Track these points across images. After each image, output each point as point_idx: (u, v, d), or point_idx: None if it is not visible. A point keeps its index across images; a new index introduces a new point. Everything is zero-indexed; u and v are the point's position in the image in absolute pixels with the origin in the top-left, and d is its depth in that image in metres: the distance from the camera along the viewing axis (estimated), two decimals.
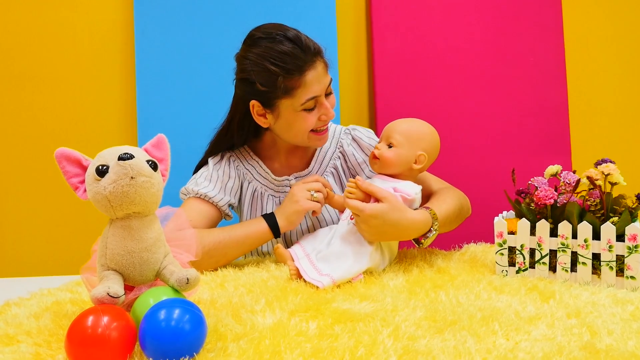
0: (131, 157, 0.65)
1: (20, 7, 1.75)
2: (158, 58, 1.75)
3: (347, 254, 0.95)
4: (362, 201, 0.98)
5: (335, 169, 1.27)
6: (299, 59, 1.06)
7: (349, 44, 1.91)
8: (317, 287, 0.87)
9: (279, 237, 1.12)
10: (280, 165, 1.25)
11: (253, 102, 1.13)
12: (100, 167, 0.65)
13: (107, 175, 0.65)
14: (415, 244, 1.02)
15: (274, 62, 1.06)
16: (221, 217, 1.20)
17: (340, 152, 1.27)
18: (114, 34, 1.80)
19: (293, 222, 1.10)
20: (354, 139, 1.27)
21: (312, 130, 1.15)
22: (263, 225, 1.09)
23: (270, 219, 1.10)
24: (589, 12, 2.03)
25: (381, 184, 1.03)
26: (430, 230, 1.00)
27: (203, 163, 1.25)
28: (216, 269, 1.04)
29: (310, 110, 1.11)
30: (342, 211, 1.12)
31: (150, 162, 0.68)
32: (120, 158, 0.65)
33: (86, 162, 0.69)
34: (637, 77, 2.04)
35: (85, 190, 0.68)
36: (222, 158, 1.23)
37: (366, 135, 1.28)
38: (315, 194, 1.08)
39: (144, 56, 1.74)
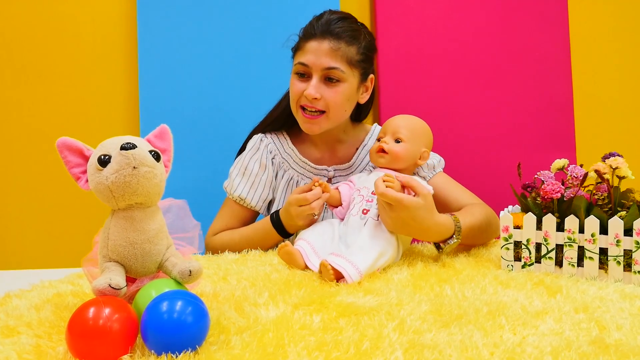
0: (134, 146, 0.64)
1: (23, 1, 1.74)
2: (160, 49, 1.74)
3: (374, 247, 0.93)
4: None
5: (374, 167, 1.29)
6: (312, 28, 1.18)
7: None
8: (332, 280, 0.85)
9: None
10: (321, 155, 1.29)
11: None
12: (102, 157, 0.64)
13: (109, 165, 0.64)
14: (436, 248, 1.03)
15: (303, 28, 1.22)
16: (257, 215, 1.28)
17: None
18: (117, 25, 1.79)
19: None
20: None
21: (301, 107, 1.18)
22: (275, 234, 1.16)
23: (277, 225, 1.15)
24: (595, 7, 2.01)
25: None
26: (451, 237, 1.00)
27: (253, 133, 1.33)
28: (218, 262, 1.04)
29: (299, 77, 1.18)
30: (334, 206, 1.10)
31: (152, 153, 0.67)
32: (123, 148, 0.64)
33: (88, 152, 0.68)
34: None
35: (87, 181, 0.67)
36: (259, 148, 1.28)
37: None
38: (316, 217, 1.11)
39: (147, 47, 1.73)
